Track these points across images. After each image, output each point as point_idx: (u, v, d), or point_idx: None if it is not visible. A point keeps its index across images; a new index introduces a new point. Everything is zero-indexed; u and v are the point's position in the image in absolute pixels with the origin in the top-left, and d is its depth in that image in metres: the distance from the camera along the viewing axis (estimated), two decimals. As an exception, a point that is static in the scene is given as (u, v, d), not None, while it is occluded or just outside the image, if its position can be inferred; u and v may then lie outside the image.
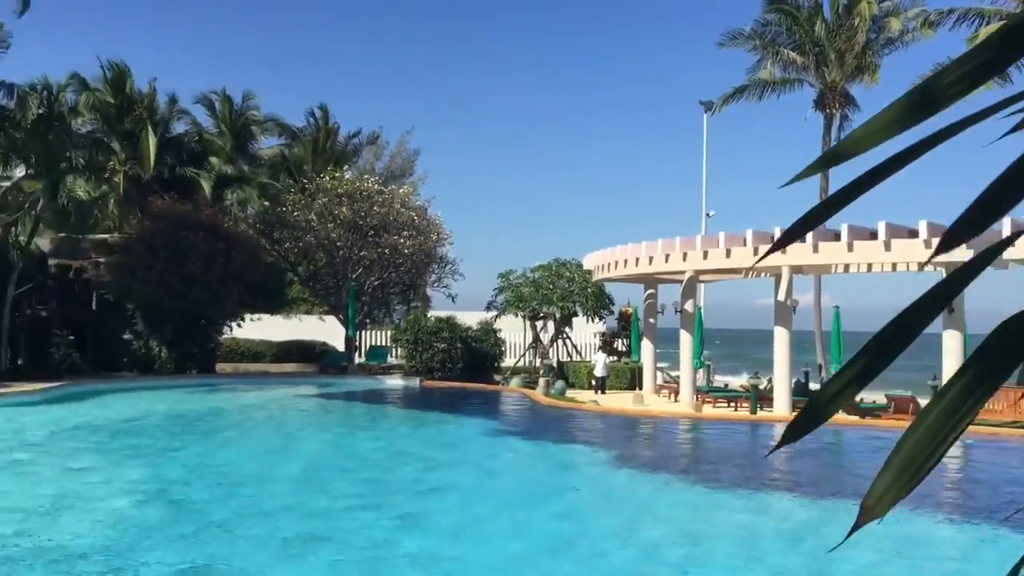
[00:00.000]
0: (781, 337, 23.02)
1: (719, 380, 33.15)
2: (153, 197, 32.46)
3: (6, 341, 28.17)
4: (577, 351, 36.14)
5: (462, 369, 31.64)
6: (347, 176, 35.97)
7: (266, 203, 37.96)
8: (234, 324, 32.66)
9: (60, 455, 15.26)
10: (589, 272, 31.31)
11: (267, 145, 44.98)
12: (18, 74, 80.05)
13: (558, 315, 32.25)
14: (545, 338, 33.71)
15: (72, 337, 29.14)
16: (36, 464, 14.19)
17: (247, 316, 33.02)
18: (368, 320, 37.97)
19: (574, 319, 33.68)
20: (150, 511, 10.60)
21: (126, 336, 30.76)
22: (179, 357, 30.28)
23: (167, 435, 18.27)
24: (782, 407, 22.95)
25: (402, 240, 33.99)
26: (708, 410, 24.02)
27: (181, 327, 29.88)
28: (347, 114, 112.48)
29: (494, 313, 33.37)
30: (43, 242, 31.65)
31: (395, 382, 31.35)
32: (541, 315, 32.76)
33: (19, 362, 29.50)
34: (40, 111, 29.52)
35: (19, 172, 30.94)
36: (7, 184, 31.05)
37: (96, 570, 7.86)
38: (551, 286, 31.97)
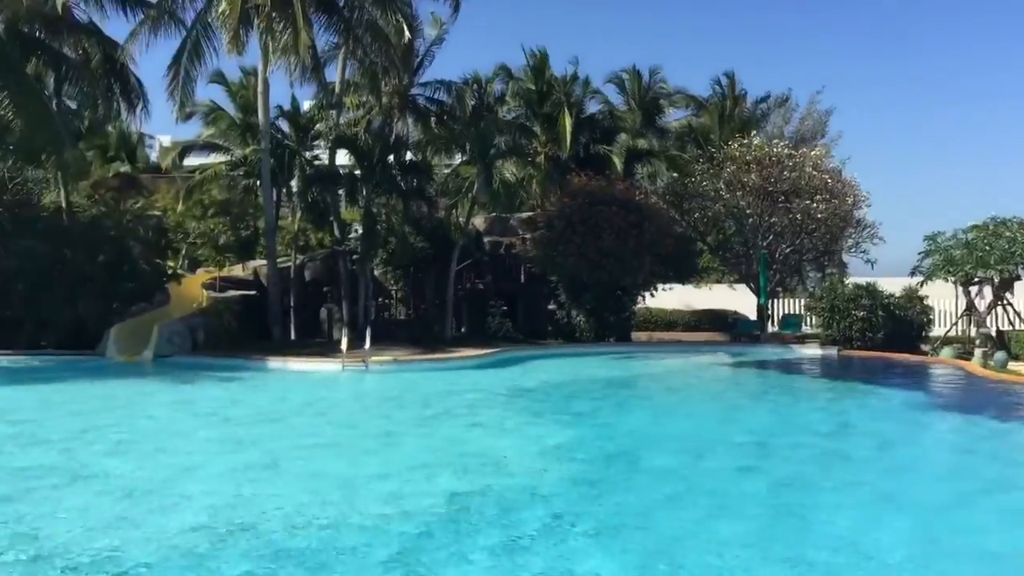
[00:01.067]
0: None
1: None
2: (570, 175, 34.46)
3: (451, 311, 31.69)
4: (1021, 318, 32.29)
5: (884, 338, 29.81)
6: (755, 142, 35.28)
7: (674, 175, 38.55)
8: (647, 294, 33.65)
9: (505, 412, 16.88)
10: (1035, 231, 27.79)
11: (674, 117, 45.61)
12: (450, 70, 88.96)
13: (996, 279, 29.04)
14: (981, 305, 30.53)
15: (505, 307, 31.98)
16: (481, 419, 15.85)
17: (659, 286, 33.85)
18: (780, 288, 37.12)
19: (1016, 283, 30.10)
20: (584, 467, 11.35)
21: (550, 306, 33.08)
22: (598, 326, 31.92)
23: (595, 397, 19.41)
24: None
25: (815, 205, 32.67)
26: None
27: (599, 297, 31.44)
28: (754, 79, 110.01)
29: (919, 279, 30.88)
30: (478, 221, 35.06)
31: (811, 351, 30.36)
32: (976, 280, 29.71)
33: (462, 330, 33.08)
34: (473, 103, 32.67)
35: (457, 159, 34.52)
36: (448, 171, 34.79)
37: (540, 515, 8.60)
38: (987, 247, 28.80)
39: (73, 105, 32.21)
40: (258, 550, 7.40)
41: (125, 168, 45.46)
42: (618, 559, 7.35)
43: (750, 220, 34.16)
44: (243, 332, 28.75)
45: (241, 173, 34.68)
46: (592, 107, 42.27)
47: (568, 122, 38.60)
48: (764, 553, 7.62)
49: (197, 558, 7.20)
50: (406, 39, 30.67)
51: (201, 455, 11.98)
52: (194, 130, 38.92)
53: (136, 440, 13.24)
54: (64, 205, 29.43)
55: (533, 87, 40.20)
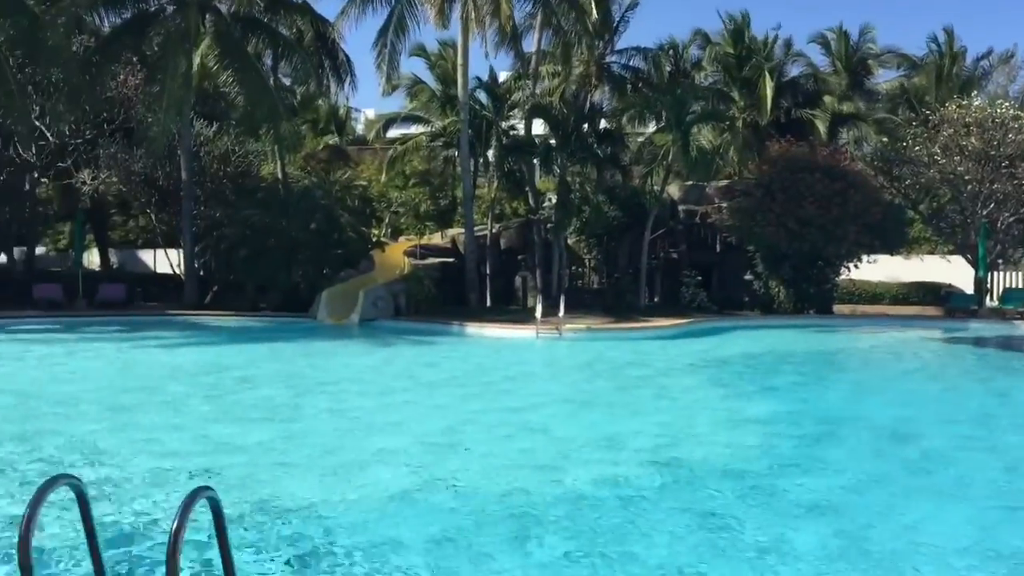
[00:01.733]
0: None
1: None
2: (770, 141, 33.29)
3: (644, 281, 31.51)
4: None
5: None
6: (976, 103, 32.78)
7: (884, 139, 36.48)
8: (851, 265, 32.14)
9: (699, 383, 16.68)
10: None
11: (884, 79, 43.10)
12: (646, 36, 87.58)
13: None
14: None
15: (699, 277, 31.43)
16: (674, 388, 15.73)
17: (864, 257, 32.24)
18: (1001, 260, 34.51)
19: None
20: (783, 441, 11.05)
21: (747, 277, 32.23)
22: (797, 297, 30.83)
23: (794, 371, 18.82)
24: None
25: (1044, 170, 30.08)
26: None
27: (799, 268, 30.34)
28: (974, 35, 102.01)
29: None
30: (673, 190, 34.56)
31: (1036, 329, 28.11)
32: None
33: (655, 299, 32.84)
34: (669, 69, 32.15)
35: (651, 127, 34.11)
36: (642, 139, 34.45)
37: (738, 487, 8.46)
38: None
39: (287, 82, 34.23)
40: (462, 509, 7.70)
41: (334, 140, 47.94)
42: (818, 536, 7.14)
43: (968, 187, 31.87)
44: (442, 298, 29.76)
45: (440, 144, 35.74)
46: (794, 70, 40.62)
47: (768, 86, 37.23)
48: (988, 543, 7.16)
49: (406, 504, 7.57)
50: (600, 8, 30.50)
51: (406, 412, 12.54)
52: (396, 104, 40.46)
53: (346, 394, 14.06)
54: (280, 176, 31.37)
55: (731, 51, 38.99)
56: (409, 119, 37.85)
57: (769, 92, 37.24)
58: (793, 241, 29.55)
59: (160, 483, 8.21)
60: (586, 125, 31.43)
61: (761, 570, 6.28)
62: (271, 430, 11.02)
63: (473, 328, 25.23)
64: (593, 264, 35.64)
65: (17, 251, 34.60)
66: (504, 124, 34.87)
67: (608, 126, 33.41)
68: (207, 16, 28.94)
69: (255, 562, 6.16)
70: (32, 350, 20.07)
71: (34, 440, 10.03)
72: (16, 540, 3.34)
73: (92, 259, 37.07)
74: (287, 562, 6.21)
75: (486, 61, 55.60)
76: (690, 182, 34.78)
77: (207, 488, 3.50)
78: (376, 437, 10.65)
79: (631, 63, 32.70)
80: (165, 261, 34.36)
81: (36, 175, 31.59)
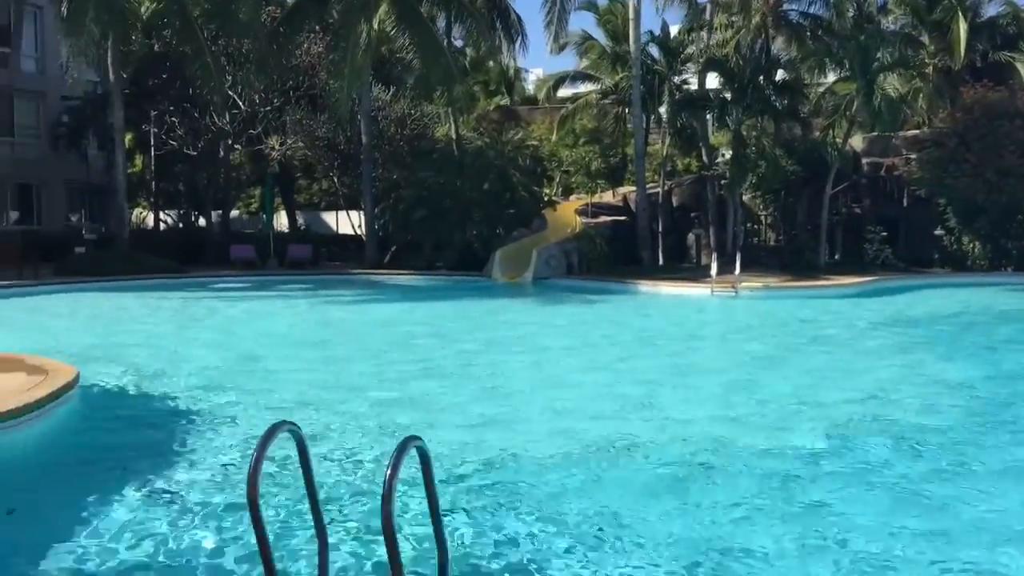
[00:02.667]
0: None
1: None
2: (964, 87, 31.14)
3: (824, 237, 30.32)
4: None
5: None
6: None
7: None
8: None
9: (886, 342, 16.00)
10: None
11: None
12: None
13: None
14: None
15: (884, 233, 29.95)
16: (860, 348, 15.14)
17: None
18: None
19: None
20: (981, 404, 10.48)
21: (937, 232, 30.45)
22: (994, 253, 28.93)
23: (992, 331, 17.70)
24: None
25: None
26: None
27: (996, 222, 28.41)
28: None
29: None
30: (856, 142, 32.95)
31: None
32: None
33: (835, 257, 31.56)
34: (852, 15, 30.52)
35: (832, 77, 32.58)
36: (822, 89, 32.98)
37: (935, 450, 8.12)
38: None
39: (459, 44, 34.74)
40: (647, 465, 7.73)
41: (504, 101, 48.41)
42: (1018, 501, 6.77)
43: None
44: (613, 256, 29.70)
45: (611, 101, 35.44)
46: (991, 10, 37.71)
47: (962, 28, 34.74)
48: None
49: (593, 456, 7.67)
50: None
51: (590, 368, 12.67)
52: (566, 63, 40.30)
53: (527, 351, 14.35)
54: (454, 138, 32.02)
55: (922, -8, 36.60)
56: (579, 77, 37.70)
57: (963, 35, 34.77)
58: (991, 193, 27.70)
59: (369, 432, 8.67)
60: (762, 77, 30.33)
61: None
62: (473, 387, 11.39)
63: (647, 286, 25.09)
64: (769, 221, 34.58)
65: (214, 214, 36.97)
66: (676, 79, 34.17)
67: (786, 77, 32.13)
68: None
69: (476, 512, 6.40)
70: (236, 305, 21.58)
71: (257, 390, 10.78)
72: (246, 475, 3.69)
73: (280, 221, 39.13)
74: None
75: (657, 15, 54.40)
76: (875, 133, 33.05)
77: (416, 438, 3.68)
78: (591, 395, 10.78)
79: (810, 10, 31.21)
80: (347, 222, 35.85)
81: (230, 142, 33.54)
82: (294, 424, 3.88)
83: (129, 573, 5.27)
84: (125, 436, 8.66)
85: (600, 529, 5.94)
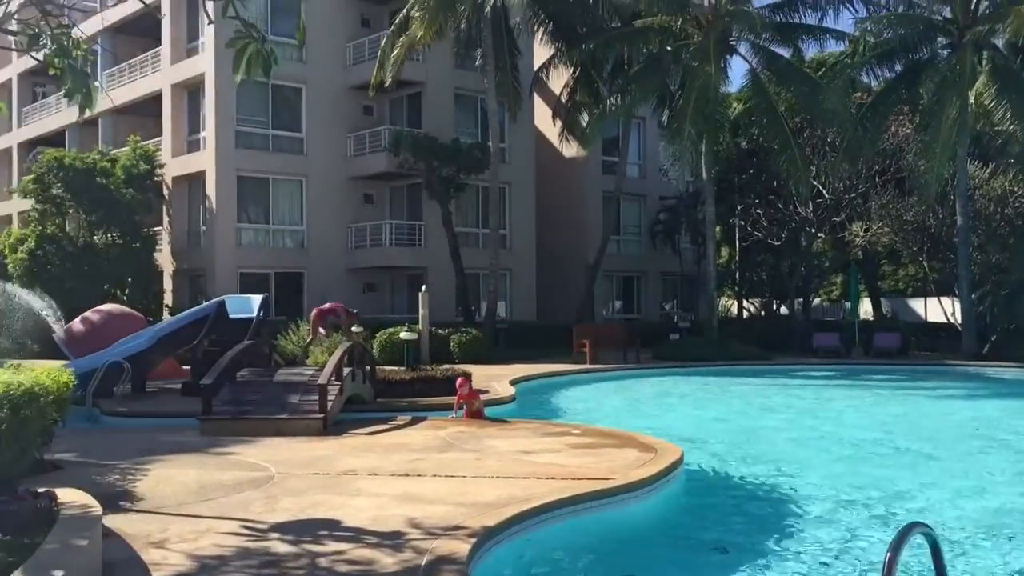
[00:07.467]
0: None
1: None
2: None
3: None
4: None
5: None
6: None
7: None
8: None
9: None
10: None
11: None
12: None
13: None
14: None
15: None
16: None
17: None
18: None
19: None
20: None
21: None
22: None
23: None
24: None
25: None
26: None
27: None
28: None
29: None
30: None
31: None
32: None
33: None
34: None
35: None
36: None
37: None
38: None
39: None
40: None
41: None
42: None
43: None
44: None
45: None
46: None
47: None
48: None
49: None
50: None
51: None
52: None
53: None
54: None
55: None
56: None
57: None
58: None
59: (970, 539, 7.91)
60: None
61: None
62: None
63: None
64: None
65: (796, 302, 37.22)
66: None
67: None
68: (983, 53, 27.72)
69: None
70: (824, 395, 21.33)
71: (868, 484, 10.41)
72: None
73: (864, 308, 37.98)
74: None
75: None
76: None
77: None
78: None
79: None
80: (937, 309, 33.48)
81: (812, 230, 33.67)
82: (927, 526, 3.71)
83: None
84: (725, 517, 8.99)
85: None
